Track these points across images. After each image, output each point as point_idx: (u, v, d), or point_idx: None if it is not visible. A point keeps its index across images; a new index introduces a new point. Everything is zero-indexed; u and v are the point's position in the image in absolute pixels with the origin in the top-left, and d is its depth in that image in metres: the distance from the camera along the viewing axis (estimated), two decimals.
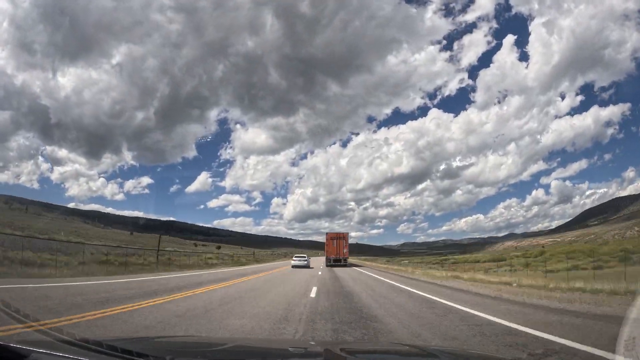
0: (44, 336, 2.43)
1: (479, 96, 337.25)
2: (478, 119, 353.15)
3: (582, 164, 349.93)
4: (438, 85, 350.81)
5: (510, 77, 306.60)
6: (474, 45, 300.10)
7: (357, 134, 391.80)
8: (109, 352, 1.63)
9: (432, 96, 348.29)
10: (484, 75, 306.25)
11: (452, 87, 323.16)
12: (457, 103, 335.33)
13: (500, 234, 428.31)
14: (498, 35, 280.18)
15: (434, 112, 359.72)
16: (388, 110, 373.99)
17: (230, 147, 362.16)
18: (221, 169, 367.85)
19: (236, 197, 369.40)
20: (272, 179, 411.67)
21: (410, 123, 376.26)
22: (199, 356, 2.09)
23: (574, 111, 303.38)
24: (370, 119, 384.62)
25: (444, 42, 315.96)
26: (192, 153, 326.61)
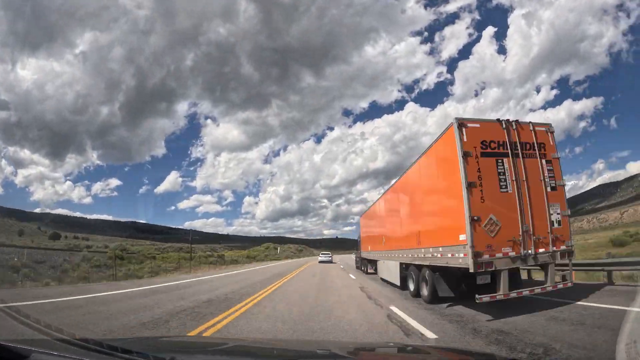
0: (44, 336, 2.44)
1: (457, 89, 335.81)
2: (455, 112, 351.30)
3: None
4: (417, 78, 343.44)
5: (489, 69, 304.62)
6: (454, 37, 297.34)
7: (332, 128, 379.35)
8: (109, 352, 1.63)
9: (410, 89, 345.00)
10: (463, 67, 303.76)
11: (430, 81, 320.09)
12: (434, 96, 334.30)
13: None
14: (479, 27, 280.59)
15: (410, 106, 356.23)
16: (364, 104, 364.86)
17: (201, 145, 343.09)
18: (191, 168, 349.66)
19: (207, 198, 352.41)
20: (244, 177, 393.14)
21: (386, 117, 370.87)
22: (199, 356, 2.09)
23: (549, 104, 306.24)
24: (346, 113, 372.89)
25: (425, 33, 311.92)
26: (160, 151, 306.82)
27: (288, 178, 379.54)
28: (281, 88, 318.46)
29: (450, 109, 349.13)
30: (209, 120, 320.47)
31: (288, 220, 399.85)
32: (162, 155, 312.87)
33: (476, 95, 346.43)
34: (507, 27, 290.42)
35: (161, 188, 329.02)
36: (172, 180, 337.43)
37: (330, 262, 38.18)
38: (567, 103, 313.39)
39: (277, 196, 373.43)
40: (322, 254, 42.43)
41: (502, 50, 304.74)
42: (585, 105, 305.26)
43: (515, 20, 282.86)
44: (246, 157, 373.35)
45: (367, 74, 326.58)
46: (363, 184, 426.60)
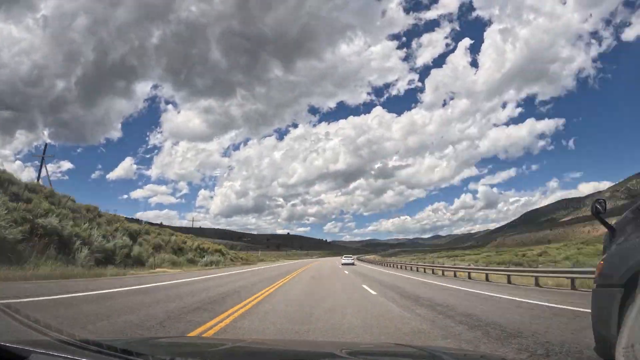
0: (44, 336, 2.44)
1: (426, 96, 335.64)
2: (422, 120, 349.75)
3: (510, 172, 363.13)
4: (388, 82, 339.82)
5: (461, 80, 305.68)
6: (432, 45, 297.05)
7: (297, 125, 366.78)
8: (108, 352, 1.63)
9: (379, 93, 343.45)
10: (435, 75, 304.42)
11: (401, 87, 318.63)
12: (403, 102, 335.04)
13: (425, 236, 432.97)
14: (456, 37, 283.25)
15: (378, 110, 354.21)
16: (332, 103, 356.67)
17: (159, 131, 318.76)
18: (148, 156, 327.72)
19: (162, 188, 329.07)
20: (201, 169, 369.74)
21: (352, 119, 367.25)
22: (199, 356, 2.09)
23: (512, 121, 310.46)
24: (313, 110, 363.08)
25: (403, 38, 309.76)
26: (116, 134, 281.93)
27: (246, 173, 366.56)
28: (248, 77, 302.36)
29: (417, 117, 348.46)
30: (169, 106, 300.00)
31: (242, 217, 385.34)
32: (118, 140, 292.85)
33: (444, 105, 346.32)
34: (483, 40, 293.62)
35: (114, 174, 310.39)
36: (126, 166, 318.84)
37: (353, 264, 41.09)
38: (530, 121, 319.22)
39: (234, 191, 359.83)
40: (345, 256, 47.62)
41: (475, 63, 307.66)
42: (547, 125, 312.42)
43: (491, 34, 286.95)
44: (205, 148, 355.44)
45: (338, 72, 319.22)
46: (321, 185, 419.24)
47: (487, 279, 16.94)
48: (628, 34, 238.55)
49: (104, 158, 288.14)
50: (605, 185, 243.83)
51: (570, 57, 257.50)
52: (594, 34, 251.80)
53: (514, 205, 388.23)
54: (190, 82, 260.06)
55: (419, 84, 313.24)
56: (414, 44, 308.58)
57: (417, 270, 28.24)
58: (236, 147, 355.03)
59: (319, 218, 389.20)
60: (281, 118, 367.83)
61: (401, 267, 34.74)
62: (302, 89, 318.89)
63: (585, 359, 3.66)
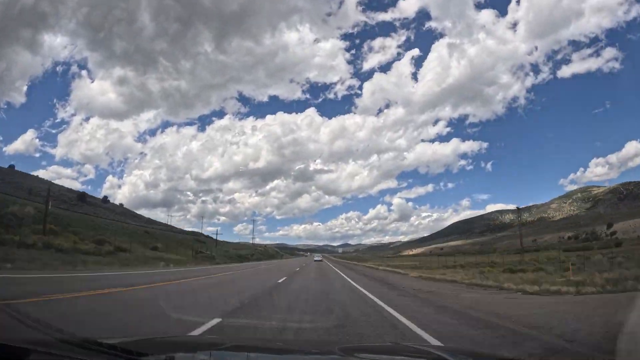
0: (44, 336, 2.44)
1: (362, 102, 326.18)
2: (353, 126, 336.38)
3: (428, 188, 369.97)
4: (327, 82, 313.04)
5: (400, 89, 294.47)
6: (383, 50, 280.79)
7: (222, 114, 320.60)
8: (109, 351, 1.63)
9: (315, 93, 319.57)
10: (377, 81, 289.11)
11: (339, 90, 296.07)
12: (338, 106, 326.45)
13: (335, 244, 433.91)
14: (407, 45, 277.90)
15: (310, 111, 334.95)
16: (263, 95, 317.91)
17: (68, 103, 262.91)
18: (54, 131, 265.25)
19: (67, 171, 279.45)
20: (110, 152, 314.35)
21: (281, 115, 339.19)
22: (199, 356, 2.09)
23: (439, 138, 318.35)
24: (242, 100, 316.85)
25: (356, 40, 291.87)
26: (19, 98, 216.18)
27: (159, 162, 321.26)
28: (173, 48, 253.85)
29: (350, 122, 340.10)
30: (83, 72, 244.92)
31: (150, 211, 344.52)
32: (21, 105, 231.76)
33: (378, 113, 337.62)
34: (430, 51, 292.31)
35: (12, 147, 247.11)
36: (28, 140, 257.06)
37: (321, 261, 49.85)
38: (456, 141, 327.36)
39: (142, 181, 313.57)
40: (316, 256, 59.02)
41: (417, 74, 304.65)
42: (471, 146, 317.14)
43: (439, 47, 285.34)
44: (118, 128, 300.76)
45: (275, 61, 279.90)
46: (236, 183, 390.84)
47: None
48: (564, 71, 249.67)
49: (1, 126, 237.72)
50: (510, 207, 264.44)
51: (507, 84, 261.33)
52: (534, 66, 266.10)
53: (427, 220, 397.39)
54: (109, 43, 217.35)
55: (358, 90, 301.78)
56: (365, 47, 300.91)
57: None
58: (152, 132, 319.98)
59: (230, 217, 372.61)
60: (206, 102, 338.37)
61: None
62: (232, 73, 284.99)
63: (587, 355, 3.66)
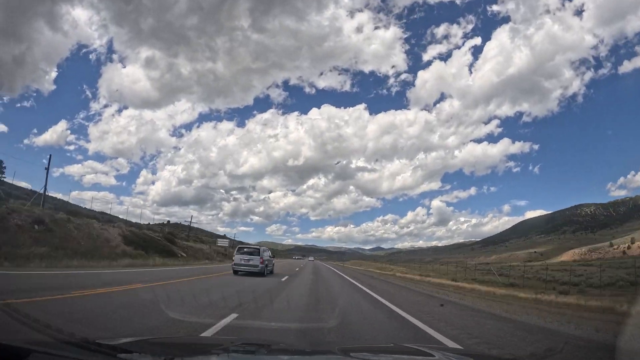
0: (44, 336, 2.44)
1: (413, 94, 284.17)
2: (403, 121, 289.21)
3: (470, 191, 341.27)
4: (381, 73, 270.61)
5: (457, 81, 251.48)
6: (442, 38, 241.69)
7: (268, 100, 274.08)
8: (108, 352, 1.63)
9: (366, 85, 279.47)
10: (434, 71, 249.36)
11: (393, 83, 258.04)
12: (388, 100, 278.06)
13: (367, 247, 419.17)
14: (470, 31, 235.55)
15: (358, 105, 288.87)
16: (311, 87, 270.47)
17: (98, 91, 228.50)
18: (87, 123, 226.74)
19: (100, 166, 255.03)
20: (143, 146, 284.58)
21: (327, 108, 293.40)
22: (198, 356, 2.09)
23: (489, 139, 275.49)
24: (286, 87, 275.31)
25: (415, 26, 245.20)
26: (47, 86, 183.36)
27: (193, 157, 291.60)
28: (206, 23, 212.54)
29: (399, 118, 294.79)
30: (115, 55, 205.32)
31: (183, 209, 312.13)
32: (50, 93, 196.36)
33: (430, 107, 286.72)
34: (490, 38, 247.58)
35: (41, 139, 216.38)
36: (59, 132, 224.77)
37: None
38: (506, 141, 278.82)
39: (175, 176, 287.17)
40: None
41: (473, 65, 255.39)
42: (521, 147, 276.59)
43: (501, 33, 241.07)
44: (152, 119, 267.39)
45: (324, 45, 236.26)
46: (272, 181, 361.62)
47: None
48: (626, 66, 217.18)
49: (29, 116, 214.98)
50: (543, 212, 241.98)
51: (569, 80, 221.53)
52: (596, 58, 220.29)
53: (465, 225, 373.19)
54: (136, 18, 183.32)
55: (411, 82, 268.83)
56: (423, 33, 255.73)
57: None
58: (188, 126, 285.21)
59: (264, 217, 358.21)
60: (246, 89, 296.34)
61: None
62: (273, 57, 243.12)
63: (585, 357, 3.66)
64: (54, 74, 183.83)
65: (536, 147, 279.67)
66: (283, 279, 15.85)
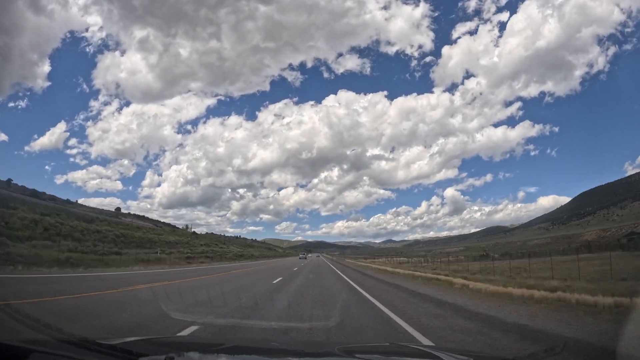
0: (44, 336, 2.44)
1: (437, 74, 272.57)
2: (424, 106, 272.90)
3: (487, 178, 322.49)
4: (408, 54, 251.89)
5: (482, 58, 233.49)
6: (477, 15, 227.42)
7: (283, 85, 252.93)
8: (108, 352, 1.64)
9: (390, 66, 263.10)
10: (457, 51, 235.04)
11: (415, 65, 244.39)
12: (413, 84, 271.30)
13: (378, 240, 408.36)
14: (500, 5, 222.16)
15: (379, 93, 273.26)
16: (328, 72, 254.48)
17: (95, 85, 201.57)
18: (86, 123, 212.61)
19: (103, 170, 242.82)
20: (145, 143, 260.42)
21: (344, 93, 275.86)
22: (198, 356, 2.10)
23: (509, 122, 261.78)
24: (294, 68, 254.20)
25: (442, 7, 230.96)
26: (39, 82, 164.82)
27: (199, 153, 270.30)
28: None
29: (417, 103, 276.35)
30: (110, 42, 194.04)
31: (190, 211, 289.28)
32: (44, 91, 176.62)
33: (452, 89, 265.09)
34: (517, 11, 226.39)
35: (37, 144, 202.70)
36: (57, 133, 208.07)
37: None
38: (526, 124, 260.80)
39: (182, 177, 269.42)
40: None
41: (498, 41, 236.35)
42: (542, 130, 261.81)
43: (527, 6, 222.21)
44: (156, 113, 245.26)
45: (341, 24, 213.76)
46: (282, 174, 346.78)
47: None
48: None
49: (23, 118, 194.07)
50: (564, 200, 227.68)
51: (594, 57, 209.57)
52: (622, 33, 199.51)
53: (479, 214, 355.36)
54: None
55: (435, 60, 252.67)
56: (458, 9, 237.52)
57: None
58: (194, 122, 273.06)
59: (274, 215, 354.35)
60: (259, 70, 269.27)
61: None
62: (286, 37, 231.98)
63: (585, 357, 3.67)
64: (46, 68, 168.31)
65: (556, 129, 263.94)
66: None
